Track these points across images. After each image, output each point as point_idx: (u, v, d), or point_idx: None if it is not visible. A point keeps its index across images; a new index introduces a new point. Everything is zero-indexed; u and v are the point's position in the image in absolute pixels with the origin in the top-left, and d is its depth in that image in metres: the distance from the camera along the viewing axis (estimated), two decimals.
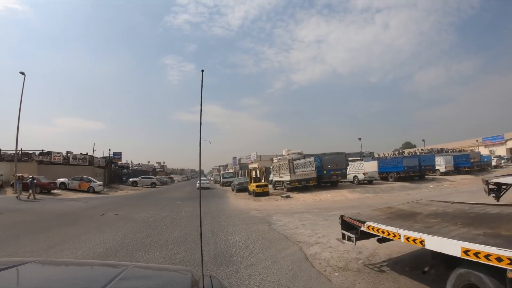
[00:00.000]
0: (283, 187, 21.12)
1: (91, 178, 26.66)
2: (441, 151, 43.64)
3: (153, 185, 37.66)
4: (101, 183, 27.02)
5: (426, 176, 27.57)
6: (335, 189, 20.85)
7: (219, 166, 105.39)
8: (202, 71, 1.85)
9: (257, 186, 18.97)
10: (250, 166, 25.48)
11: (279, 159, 28.64)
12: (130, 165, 48.33)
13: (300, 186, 19.60)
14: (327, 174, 20.66)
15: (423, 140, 43.00)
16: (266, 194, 19.04)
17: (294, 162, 20.92)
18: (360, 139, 36.60)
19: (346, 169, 21.66)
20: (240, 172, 45.55)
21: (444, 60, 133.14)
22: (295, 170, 20.20)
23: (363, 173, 23.93)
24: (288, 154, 28.41)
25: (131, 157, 70.99)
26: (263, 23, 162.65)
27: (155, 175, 54.20)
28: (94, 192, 25.92)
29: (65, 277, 1.39)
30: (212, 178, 72.57)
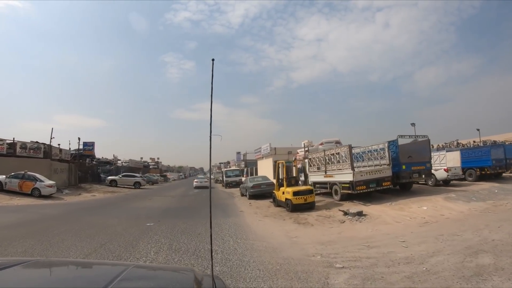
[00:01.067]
0: (331, 192, 12.77)
1: (37, 176, 18.34)
2: (494, 144, 35.22)
3: (136, 185, 29.33)
4: (52, 183, 18.68)
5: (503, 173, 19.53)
6: (415, 195, 12.54)
7: (220, 163, 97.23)
8: (213, 60, 1.64)
9: (295, 194, 10.55)
10: (278, 161, 17.03)
11: (307, 149, 20.35)
12: (114, 160, 39.95)
13: (366, 191, 11.30)
14: (407, 170, 12.35)
15: (478, 130, 34.40)
16: (310, 206, 10.70)
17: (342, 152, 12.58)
18: (413, 124, 28.15)
19: (430, 162, 13.34)
20: (246, 169, 37.33)
21: (444, 59, 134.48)
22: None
23: (444, 169, 15.66)
24: (321, 144, 20.11)
25: (130, 154, 65.09)
26: (264, 21, 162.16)
27: (146, 173, 46.01)
28: (41, 196, 17.67)
29: (65, 277, 1.36)
30: (213, 177, 64.60)
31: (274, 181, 13.44)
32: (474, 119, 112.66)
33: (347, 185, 11.30)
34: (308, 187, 11.63)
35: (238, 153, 51.05)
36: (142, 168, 50.49)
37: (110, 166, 36.49)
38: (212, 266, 1.67)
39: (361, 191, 11.06)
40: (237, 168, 30.34)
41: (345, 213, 9.22)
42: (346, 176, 11.38)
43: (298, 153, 21.74)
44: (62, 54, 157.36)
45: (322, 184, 13.53)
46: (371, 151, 12.76)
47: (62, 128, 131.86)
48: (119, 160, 43.45)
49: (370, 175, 11.30)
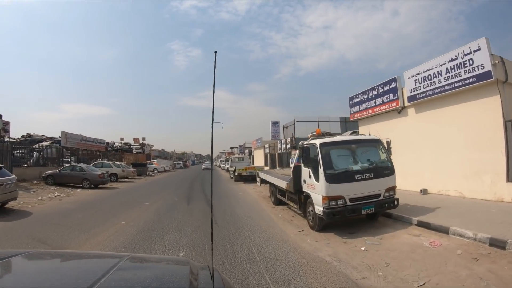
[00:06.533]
0: None
1: None
2: None
3: None
4: None
5: None
6: None
7: (232, 148, 75.88)
8: (216, 52, 1.60)
9: None
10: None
11: None
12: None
13: None
14: None
15: None
16: None
17: None
18: None
19: None
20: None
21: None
22: None
23: None
24: None
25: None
26: (270, 8, 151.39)
27: (114, 160, 24.44)
28: None
29: (60, 268, 1.32)
30: (224, 165, 44.27)
31: None
32: None
33: None
34: None
35: (275, 123, 28.45)
36: (103, 151, 28.65)
37: None
38: (212, 257, 1.52)
39: None
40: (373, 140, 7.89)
41: None
42: None
43: None
44: (68, 44, 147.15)
45: None
46: None
47: (69, 117, 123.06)
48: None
49: None
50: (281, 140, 26.25)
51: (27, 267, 1.24)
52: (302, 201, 7.03)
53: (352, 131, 8.02)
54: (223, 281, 1.21)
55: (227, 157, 55.72)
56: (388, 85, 11.96)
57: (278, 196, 9.37)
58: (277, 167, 26.17)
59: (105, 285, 0.95)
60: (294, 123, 24.23)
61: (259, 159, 35.80)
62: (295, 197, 7.51)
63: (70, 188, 15.37)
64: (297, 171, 7.06)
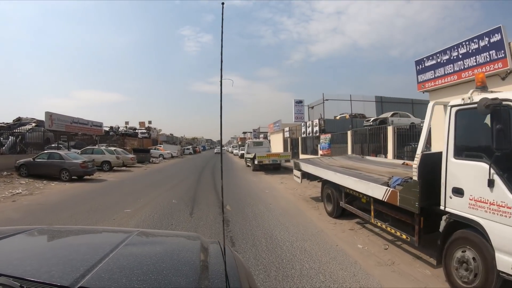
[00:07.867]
0: None
1: None
2: None
3: None
4: None
5: None
6: None
7: (244, 132, 72.28)
8: (223, 3, 1.44)
9: None
10: None
11: None
12: None
13: None
14: None
15: None
16: None
17: None
18: None
19: None
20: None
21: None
22: None
23: None
24: None
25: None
26: None
27: (122, 146, 21.10)
28: None
29: (69, 243, 1.31)
30: (236, 151, 41.12)
31: None
32: None
33: None
34: None
35: (299, 102, 24.12)
36: (101, 134, 25.25)
37: None
38: (223, 232, 1.49)
39: None
40: None
41: None
42: None
43: None
44: (80, 31, 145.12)
45: None
46: None
47: (81, 104, 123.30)
48: None
49: None
50: (305, 123, 22.10)
51: (36, 243, 1.22)
52: (430, 227, 3.10)
53: None
54: (234, 257, 1.15)
55: (239, 142, 51.82)
56: (487, 39, 7.66)
57: (344, 205, 5.47)
58: (300, 154, 22.23)
59: (113, 260, 0.92)
60: (323, 102, 20.00)
61: (277, 144, 31.85)
62: (408, 218, 3.57)
63: (44, 181, 11.96)
64: (430, 167, 3.09)
